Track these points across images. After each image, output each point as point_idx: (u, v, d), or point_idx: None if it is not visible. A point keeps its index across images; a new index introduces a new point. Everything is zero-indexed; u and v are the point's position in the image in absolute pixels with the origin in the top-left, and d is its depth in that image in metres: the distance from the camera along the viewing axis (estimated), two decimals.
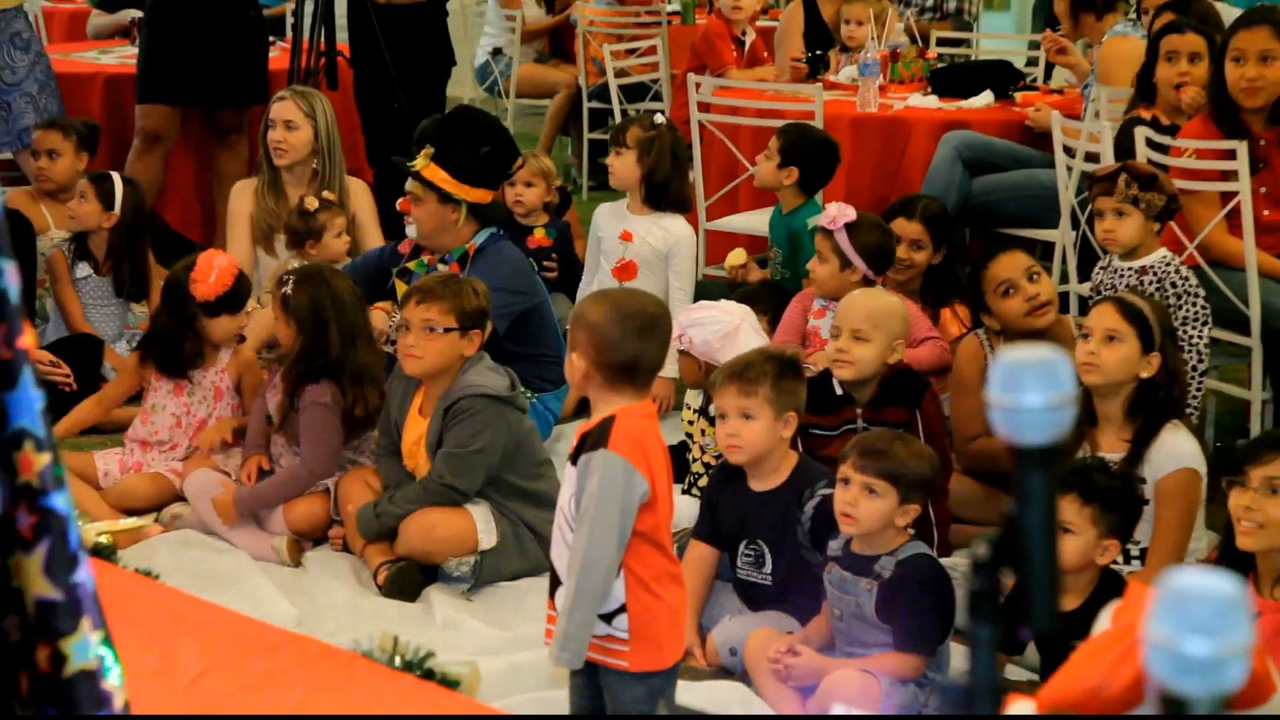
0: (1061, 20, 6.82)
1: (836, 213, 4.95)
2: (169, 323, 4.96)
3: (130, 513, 4.70)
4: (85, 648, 1.35)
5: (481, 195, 5.22)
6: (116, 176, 5.89)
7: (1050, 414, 1.15)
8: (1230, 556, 3.40)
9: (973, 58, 7.62)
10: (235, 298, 4.93)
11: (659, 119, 5.80)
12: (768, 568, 3.92)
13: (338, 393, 4.60)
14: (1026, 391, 1.15)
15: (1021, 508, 1.17)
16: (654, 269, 5.67)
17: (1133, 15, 6.37)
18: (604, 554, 3.11)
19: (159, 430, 4.95)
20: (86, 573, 1.35)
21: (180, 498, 4.79)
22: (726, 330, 4.63)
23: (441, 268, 5.16)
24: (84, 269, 5.89)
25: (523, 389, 4.59)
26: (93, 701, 1.36)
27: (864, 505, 3.59)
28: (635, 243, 5.68)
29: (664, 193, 5.69)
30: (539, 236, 6.24)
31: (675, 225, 5.71)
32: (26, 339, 1.31)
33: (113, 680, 1.37)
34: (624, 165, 5.69)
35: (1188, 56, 5.35)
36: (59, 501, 1.33)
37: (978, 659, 1.20)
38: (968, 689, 1.21)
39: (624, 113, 8.34)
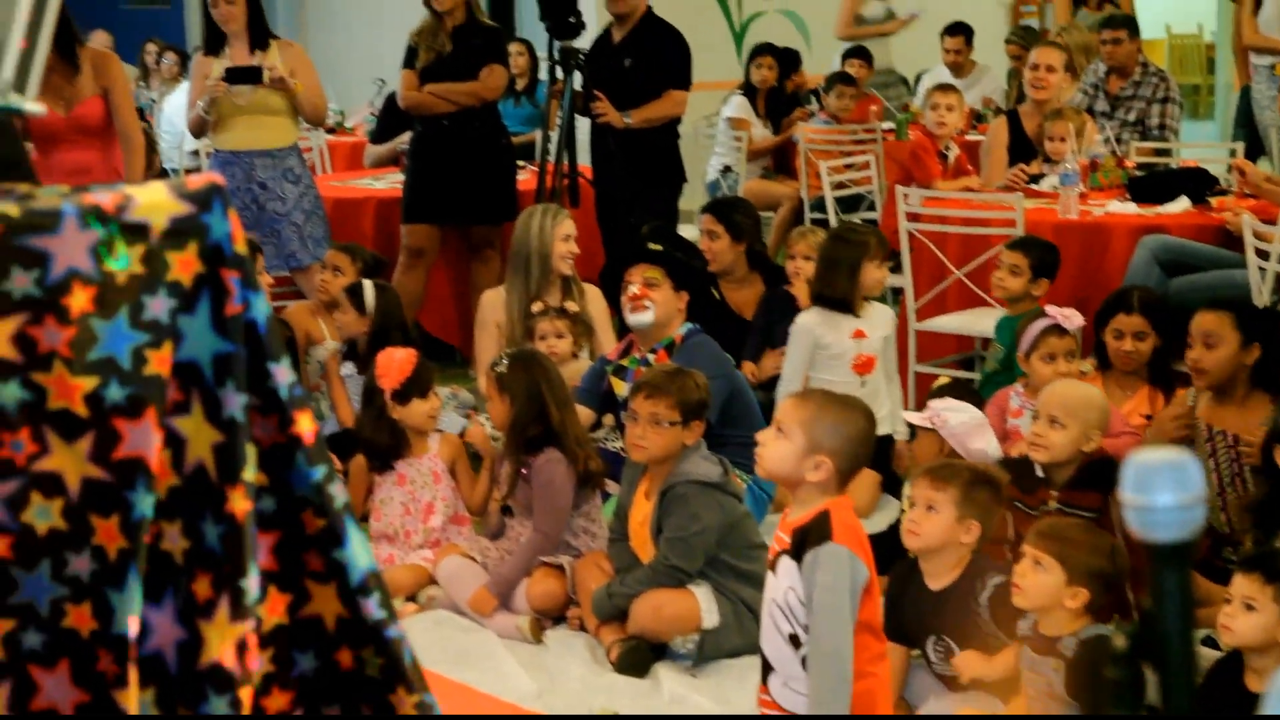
0: None
1: (1069, 312, 4.99)
2: (366, 420, 5.14)
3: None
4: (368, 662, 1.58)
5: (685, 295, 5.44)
6: (368, 284, 6.01)
7: (1181, 513, 1.13)
8: None
9: (1171, 165, 7.43)
10: (419, 382, 5.07)
11: None
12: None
13: (565, 456, 4.65)
14: (1158, 492, 1.13)
15: (1157, 603, 1.14)
16: (882, 356, 5.50)
17: None
18: (845, 640, 3.12)
19: (392, 520, 5.08)
20: (369, 610, 1.57)
21: (434, 582, 4.87)
22: (981, 420, 4.58)
23: (651, 358, 5.23)
24: (348, 368, 6.05)
25: (738, 472, 4.57)
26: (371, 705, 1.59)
27: (1030, 578, 3.53)
28: (870, 338, 5.45)
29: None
30: None
31: (885, 311, 5.60)
32: (300, 426, 1.49)
33: (401, 692, 1.59)
34: (884, 274, 5.49)
35: None
36: (337, 554, 1.55)
37: None
38: None
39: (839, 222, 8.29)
